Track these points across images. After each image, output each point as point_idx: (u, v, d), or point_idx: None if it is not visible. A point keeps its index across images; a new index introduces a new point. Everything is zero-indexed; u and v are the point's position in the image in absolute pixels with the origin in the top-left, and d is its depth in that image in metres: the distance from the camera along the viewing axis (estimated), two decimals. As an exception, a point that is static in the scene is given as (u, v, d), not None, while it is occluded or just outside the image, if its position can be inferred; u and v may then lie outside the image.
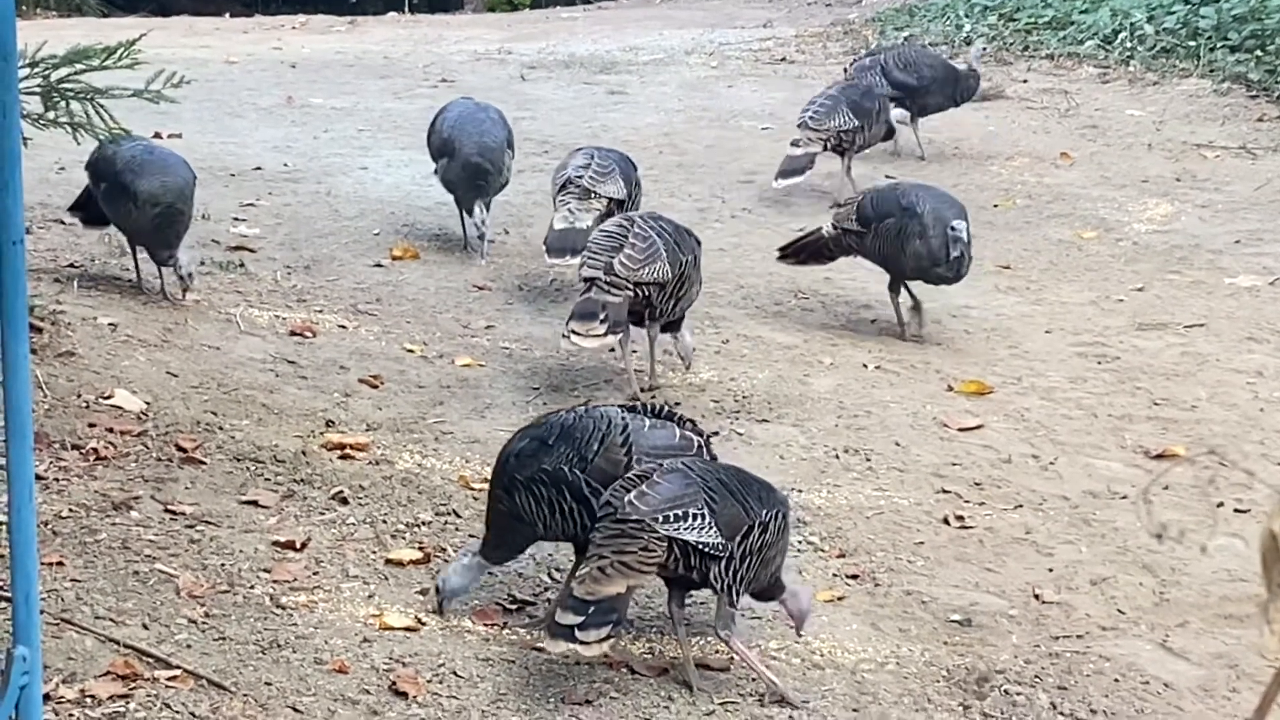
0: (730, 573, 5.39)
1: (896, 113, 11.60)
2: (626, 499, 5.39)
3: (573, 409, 5.97)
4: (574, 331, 7.56)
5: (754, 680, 5.48)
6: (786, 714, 5.35)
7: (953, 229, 8.65)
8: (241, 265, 9.01)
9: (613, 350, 7.92)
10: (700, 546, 5.35)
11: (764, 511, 5.45)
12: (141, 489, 6.24)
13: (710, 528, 5.36)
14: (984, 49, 11.87)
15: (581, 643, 5.27)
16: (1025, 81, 14.07)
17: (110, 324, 7.77)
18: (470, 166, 9.44)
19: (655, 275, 7.64)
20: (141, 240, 8.31)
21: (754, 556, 5.41)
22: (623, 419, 5.77)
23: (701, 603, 5.64)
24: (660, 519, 5.33)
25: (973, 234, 8.82)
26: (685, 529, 5.34)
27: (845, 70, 12.66)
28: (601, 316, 7.56)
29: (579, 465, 5.66)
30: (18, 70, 6.62)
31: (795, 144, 11.03)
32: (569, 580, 5.74)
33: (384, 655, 5.42)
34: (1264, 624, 2.19)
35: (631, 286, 7.62)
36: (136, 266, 8.40)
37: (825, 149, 11.05)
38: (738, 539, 5.38)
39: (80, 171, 9.37)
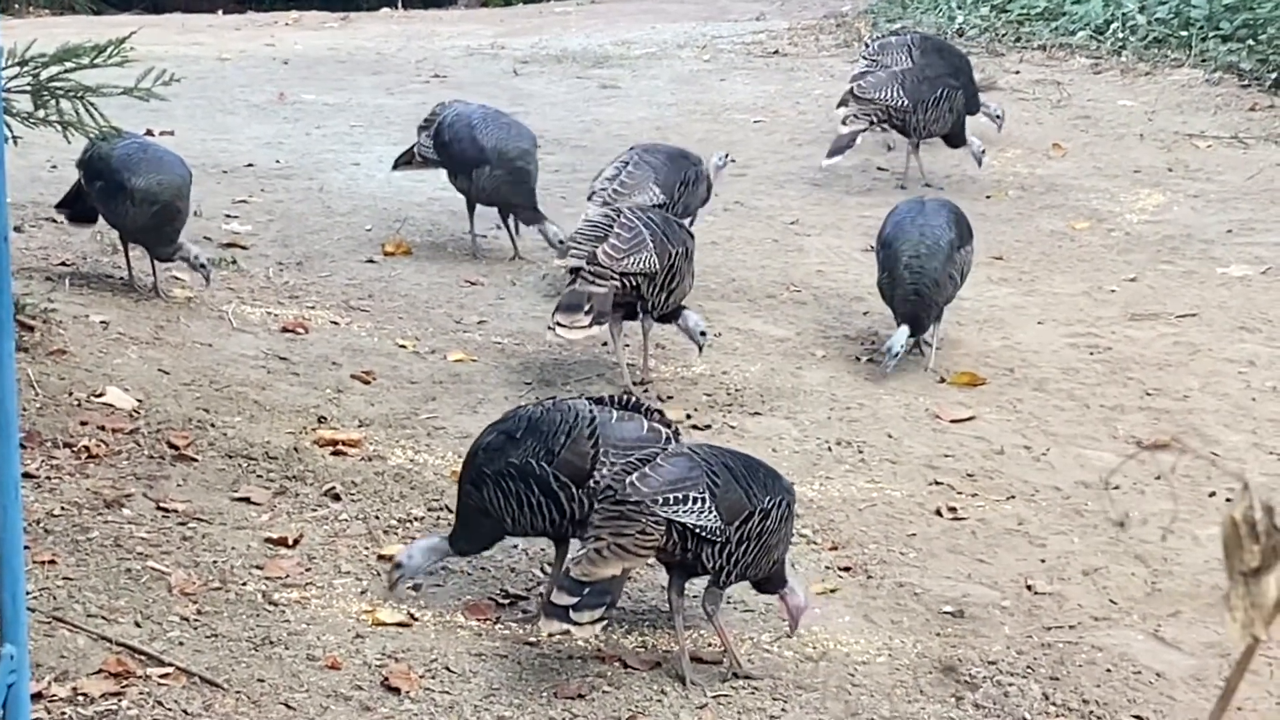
0: (725, 556, 5.40)
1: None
2: (628, 480, 5.40)
3: (539, 402, 5.99)
4: (559, 323, 7.58)
5: (748, 674, 5.50)
6: (779, 706, 5.36)
7: (886, 346, 8.09)
8: (234, 262, 9.00)
9: (605, 344, 7.93)
10: (698, 530, 5.36)
11: (767, 499, 5.46)
12: (133, 486, 6.24)
13: (710, 511, 5.37)
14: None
15: (575, 623, 5.30)
16: (1017, 73, 14.07)
17: (102, 322, 7.77)
18: (517, 171, 9.29)
19: (641, 265, 7.64)
20: (139, 239, 8.29)
21: (753, 542, 5.42)
22: (590, 411, 5.79)
23: (696, 595, 5.64)
24: (660, 501, 5.35)
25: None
26: (684, 511, 5.36)
27: (866, 45, 12.64)
28: (586, 308, 7.56)
29: (546, 458, 5.68)
30: (2, 69, 6.65)
31: (844, 122, 11.16)
32: (557, 566, 5.78)
33: (376, 651, 5.43)
34: (1226, 612, 2.19)
35: (617, 276, 7.62)
36: (128, 264, 8.40)
37: (871, 125, 11.11)
38: (736, 524, 5.39)
39: (72, 170, 9.36)
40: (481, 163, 9.31)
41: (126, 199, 8.13)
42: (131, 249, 8.38)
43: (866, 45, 12.55)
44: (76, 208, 8.62)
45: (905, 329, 8.09)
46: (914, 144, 11.26)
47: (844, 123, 11.15)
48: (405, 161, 9.85)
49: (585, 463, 5.68)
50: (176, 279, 8.47)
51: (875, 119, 11.07)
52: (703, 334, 7.89)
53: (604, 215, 7.87)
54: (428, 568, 5.82)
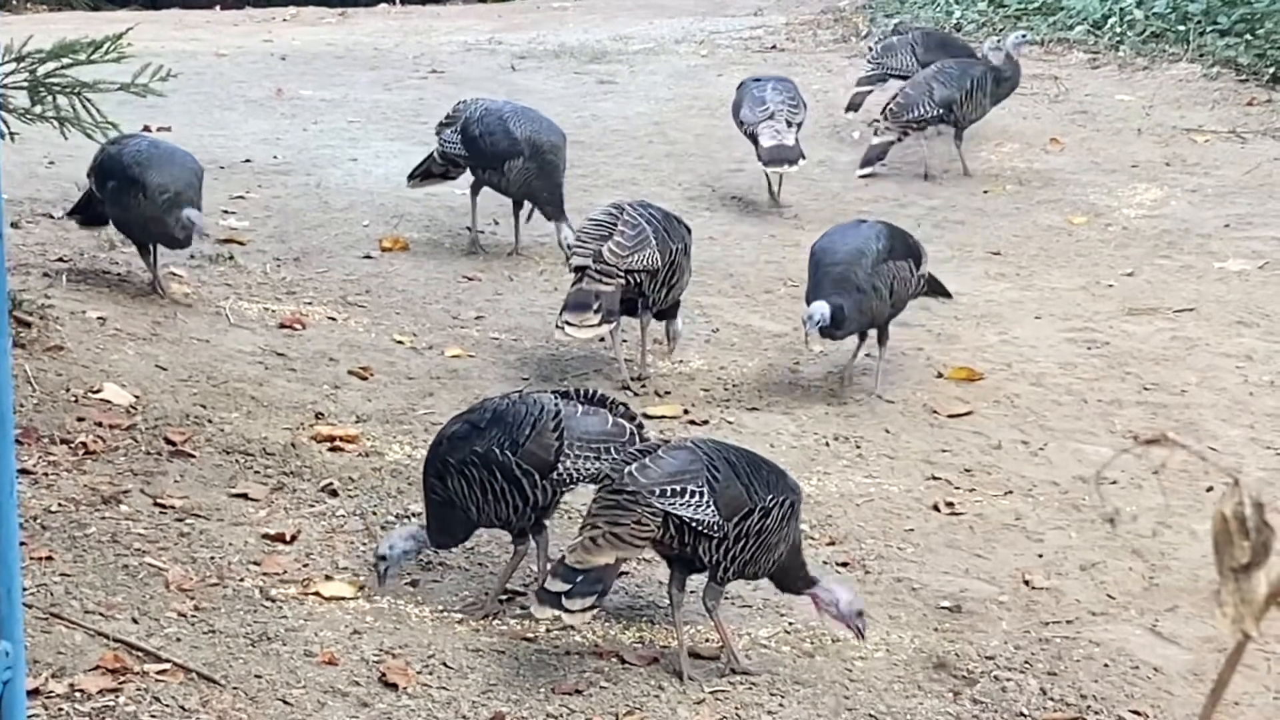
0: (723, 552, 5.40)
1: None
2: (627, 470, 5.41)
3: (506, 395, 6.01)
4: (568, 323, 7.59)
5: (745, 669, 5.50)
6: (777, 701, 5.36)
7: (809, 315, 7.66)
8: (231, 258, 9.00)
9: (602, 340, 7.93)
10: (694, 523, 5.36)
11: (769, 496, 5.46)
12: (130, 483, 6.24)
13: (707, 505, 5.37)
14: (1024, 37, 11.93)
15: (566, 610, 5.31)
16: (1015, 67, 14.05)
17: (99, 318, 7.76)
18: (548, 164, 9.26)
19: (644, 263, 7.66)
20: (153, 234, 8.19)
21: (752, 540, 5.42)
22: (555, 405, 5.83)
23: (693, 591, 5.63)
24: (657, 492, 5.35)
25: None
26: (681, 504, 5.36)
27: (870, 49, 12.67)
28: (595, 306, 7.57)
29: (510, 448, 5.70)
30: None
31: (876, 132, 11.39)
32: (542, 557, 5.79)
33: (374, 647, 5.43)
34: (1217, 608, 2.20)
35: (622, 274, 7.64)
36: (153, 265, 8.30)
37: (903, 138, 11.32)
38: (735, 520, 5.39)
39: (69, 166, 9.38)
40: (514, 154, 9.26)
41: (139, 193, 8.08)
42: (127, 245, 8.36)
43: (870, 49, 12.58)
44: (88, 213, 8.54)
45: (824, 304, 7.60)
46: (916, 130, 11.35)
47: (875, 134, 11.31)
48: (421, 174, 9.80)
49: (549, 455, 5.73)
50: (174, 275, 8.46)
51: (909, 131, 11.22)
52: (680, 336, 8.04)
53: (607, 213, 7.88)
54: (410, 557, 5.83)
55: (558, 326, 7.65)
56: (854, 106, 12.17)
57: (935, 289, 8.32)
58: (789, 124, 10.50)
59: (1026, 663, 5.68)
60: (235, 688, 5.11)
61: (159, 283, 8.27)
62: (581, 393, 6.00)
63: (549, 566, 5.64)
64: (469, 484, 5.70)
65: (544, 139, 9.30)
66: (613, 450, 5.75)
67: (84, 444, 6.45)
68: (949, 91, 11.18)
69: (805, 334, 7.75)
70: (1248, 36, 13.85)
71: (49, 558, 5.63)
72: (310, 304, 8.52)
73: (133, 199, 8.13)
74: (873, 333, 7.91)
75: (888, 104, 11.40)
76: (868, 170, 11.31)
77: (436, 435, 5.97)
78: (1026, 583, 6.26)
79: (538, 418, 5.78)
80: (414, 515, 6.31)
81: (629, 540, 5.39)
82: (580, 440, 5.77)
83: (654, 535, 5.41)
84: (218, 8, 19.27)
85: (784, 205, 10.73)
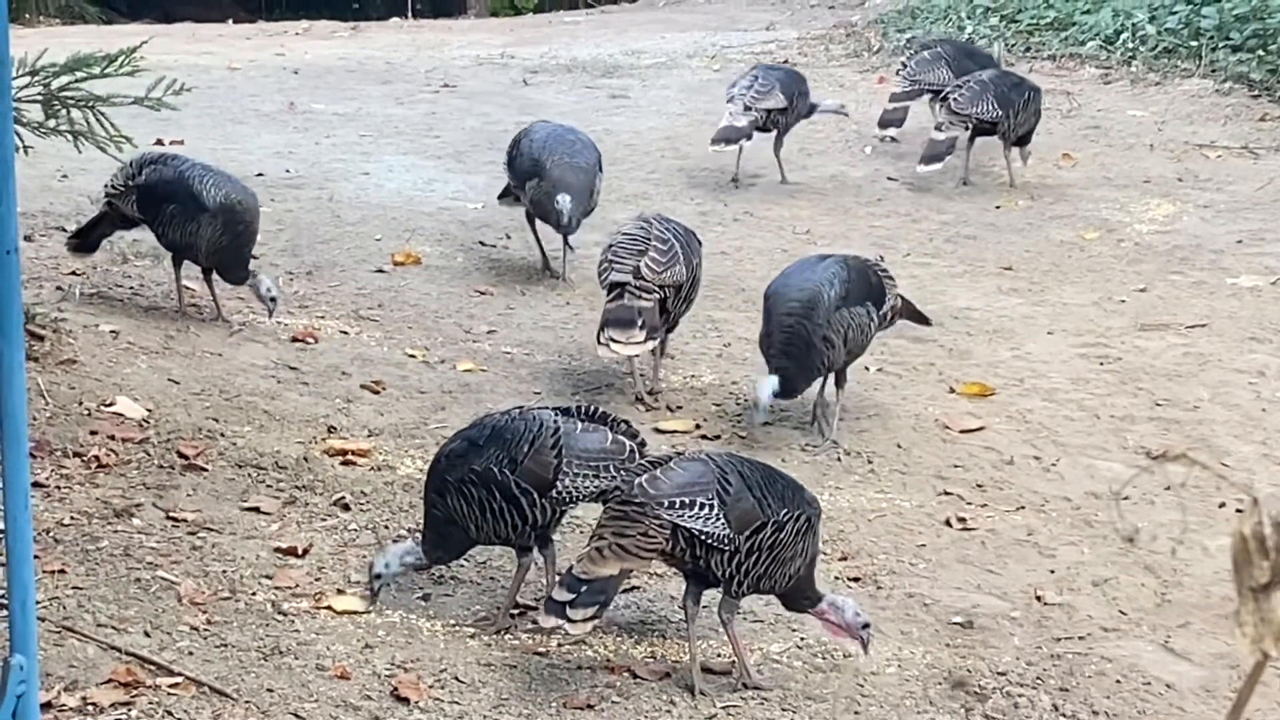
0: (735, 566, 5.39)
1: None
2: (637, 482, 5.41)
3: (506, 411, 5.99)
4: (613, 339, 7.54)
5: (757, 684, 5.49)
6: (788, 716, 5.35)
7: (753, 400, 7.44)
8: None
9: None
10: (703, 536, 5.36)
11: (783, 511, 5.44)
12: (143, 496, 6.25)
13: (717, 518, 5.36)
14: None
15: (570, 620, 5.31)
16: (1027, 82, 14.06)
17: (112, 331, 7.78)
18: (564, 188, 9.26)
19: (675, 278, 7.68)
20: (214, 260, 8.14)
21: (764, 554, 5.40)
22: (554, 421, 5.80)
23: (705, 605, 5.63)
24: (665, 504, 5.35)
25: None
26: (689, 517, 5.35)
27: (903, 64, 12.66)
28: (640, 322, 7.56)
29: (509, 466, 5.68)
30: (12, 78, 6.66)
31: (939, 128, 11.41)
32: (549, 570, 5.79)
33: (386, 661, 5.43)
34: (1236, 628, 2.19)
35: (658, 289, 7.64)
36: (178, 280, 8.30)
37: (966, 130, 11.38)
38: (747, 534, 5.38)
39: (81, 179, 9.38)
40: (533, 176, 9.25)
41: (210, 218, 8.02)
42: (139, 259, 8.36)
43: (904, 65, 12.57)
44: (85, 240, 8.45)
45: (774, 379, 7.31)
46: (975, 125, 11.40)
47: (938, 129, 11.27)
48: (510, 196, 9.75)
49: (548, 472, 5.70)
50: (187, 288, 8.46)
51: (968, 125, 11.31)
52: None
53: (639, 228, 7.87)
54: (403, 572, 5.82)
55: (602, 344, 7.59)
56: (893, 123, 12.04)
57: (913, 316, 8.03)
58: (746, 108, 11.24)
59: (1038, 679, 5.68)
60: (247, 701, 5.11)
61: (180, 296, 8.25)
62: (582, 409, 5.98)
63: (556, 577, 5.64)
64: (468, 502, 5.68)
65: (560, 164, 9.24)
66: (612, 468, 5.73)
67: (96, 457, 6.46)
68: (1013, 96, 11.30)
69: (754, 419, 7.39)
70: (1260, 52, 13.84)
71: (61, 571, 5.64)
72: (322, 318, 8.53)
73: (202, 225, 8.02)
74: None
75: (947, 96, 11.40)
76: (929, 169, 11.26)
77: (437, 452, 5.96)
78: (1038, 598, 6.25)
79: (536, 435, 5.75)
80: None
81: (635, 552, 5.38)
82: (579, 458, 5.73)
83: (662, 547, 5.40)
84: (230, 22, 19.32)
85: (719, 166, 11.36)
